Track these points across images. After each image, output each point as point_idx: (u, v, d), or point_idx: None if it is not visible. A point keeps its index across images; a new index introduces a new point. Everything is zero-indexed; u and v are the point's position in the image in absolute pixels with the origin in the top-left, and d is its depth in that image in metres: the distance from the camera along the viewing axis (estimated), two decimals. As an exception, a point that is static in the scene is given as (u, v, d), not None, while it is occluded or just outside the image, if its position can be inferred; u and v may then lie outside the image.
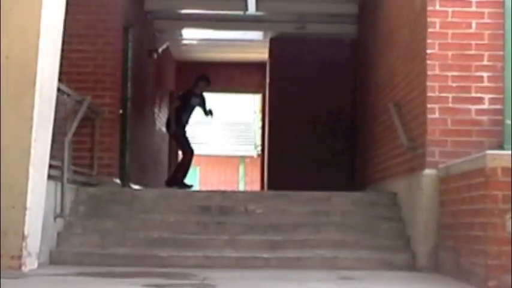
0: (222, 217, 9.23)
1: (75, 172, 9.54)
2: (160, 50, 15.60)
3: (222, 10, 14.82)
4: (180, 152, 15.30)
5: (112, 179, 11.05)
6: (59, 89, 8.37)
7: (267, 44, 16.42)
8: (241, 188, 36.17)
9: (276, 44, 16.12)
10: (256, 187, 24.65)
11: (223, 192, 10.05)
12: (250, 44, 17.51)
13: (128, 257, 8.37)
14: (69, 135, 9.02)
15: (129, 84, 12.42)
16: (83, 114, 9.61)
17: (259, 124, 23.08)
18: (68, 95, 9.31)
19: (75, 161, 9.68)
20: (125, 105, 12.11)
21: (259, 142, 24.81)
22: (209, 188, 34.64)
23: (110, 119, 11.03)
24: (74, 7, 10.39)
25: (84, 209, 9.31)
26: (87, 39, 10.97)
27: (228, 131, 36.58)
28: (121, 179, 11.62)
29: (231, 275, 7.48)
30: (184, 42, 17.65)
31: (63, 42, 8.21)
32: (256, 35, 16.74)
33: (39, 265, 7.61)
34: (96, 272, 7.43)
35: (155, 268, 8.01)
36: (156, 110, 15.87)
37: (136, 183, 12.75)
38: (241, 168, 37.13)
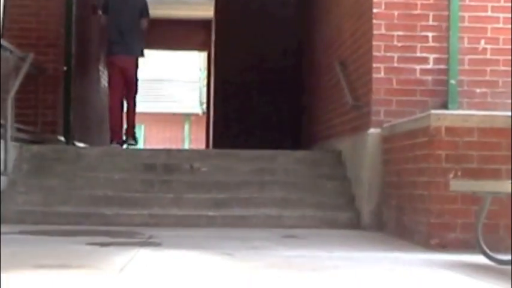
0: (167, 175, 9.21)
1: (18, 130, 9.42)
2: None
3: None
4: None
5: (56, 136, 10.94)
6: (0, 46, 8.23)
7: (213, 1, 16.30)
8: (186, 145, 36.14)
9: (222, 1, 16.00)
10: (202, 146, 24.62)
11: (169, 150, 10.02)
12: (195, 1, 17.38)
13: (72, 215, 8.32)
14: (12, 93, 8.90)
15: (73, 41, 12.23)
16: (26, 71, 9.46)
17: (205, 82, 22.99)
18: (11, 51, 9.15)
19: (19, 119, 9.56)
20: (68, 62, 11.93)
21: (204, 100, 24.72)
22: (154, 146, 34.64)
23: (53, 76, 10.91)
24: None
25: (27, 167, 9.21)
26: (30, -6, 10.78)
27: (173, 88, 36.36)
28: (65, 137, 11.50)
29: (176, 233, 7.48)
30: (130, -2, 17.40)
31: (5, -2, 8.07)
32: (201, -9, 16.62)
33: (-19, 224, 7.54)
34: (40, 230, 7.38)
35: (100, 226, 7.99)
36: (100, 67, 15.68)
37: (81, 141, 12.63)
38: (186, 126, 37.02)
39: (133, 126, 11.86)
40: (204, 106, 25.25)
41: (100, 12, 11.50)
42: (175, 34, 19.21)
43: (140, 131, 35.94)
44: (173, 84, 36.18)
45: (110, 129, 11.67)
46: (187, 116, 36.33)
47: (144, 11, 11.36)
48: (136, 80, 11.79)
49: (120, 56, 11.30)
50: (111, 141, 11.54)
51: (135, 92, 11.88)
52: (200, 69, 30.60)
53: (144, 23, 11.40)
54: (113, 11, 11.34)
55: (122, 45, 11.23)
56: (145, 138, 36.63)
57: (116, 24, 11.23)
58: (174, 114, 36.15)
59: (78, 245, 6.29)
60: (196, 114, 33.95)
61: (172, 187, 8.96)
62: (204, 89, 24.31)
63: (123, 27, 11.19)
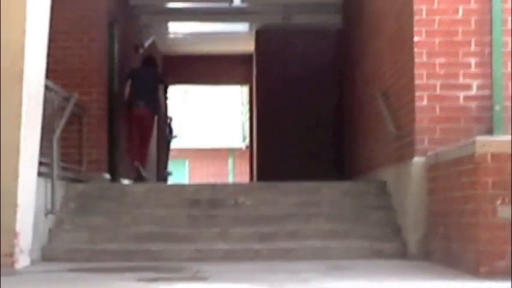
0: (212, 210, 9.23)
1: (64, 169, 9.52)
2: (146, 44, 15.56)
3: (208, 3, 14.81)
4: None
5: (101, 174, 11.04)
6: (46, 86, 8.34)
7: (253, 36, 16.42)
8: (231, 180, 36.21)
9: (262, 36, 16.11)
10: (246, 179, 24.65)
11: (213, 185, 10.04)
12: (236, 36, 17.50)
13: (118, 252, 8.36)
14: (58, 132, 9.00)
15: (116, 80, 12.39)
16: (71, 111, 9.58)
17: (247, 116, 23.06)
18: (55, 92, 9.28)
19: (64, 158, 9.68)
20: (112, 100, 12.08)
21: (247, 134, 24.79)
22: (198, 181, 34.75)
23: (97, 115, 11.04)
24: (59, 3, 10.36)
25: (74, 205, 9.29)
26: (73, 35, 10.97)
27: (216, 123, 36.54)
28: (110, 174, 11.61)
29: (222, 268, 7.48)
30: (171, 35, 17.62)
31: (49, 39, 8.19)
32: (242, 27, 16.73)
33: (32, 262, 7.61)
34: (88, 268, 7.43)
35: (147, 262, 8.02)
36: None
37: (126, 177, 12.73)
38: (230, 161, 37.15)
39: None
40: (247, 140, 25.33)
41: (129, 81, 12.90)
42: (217, 69, 19.35)
43: (184, 166, 36.12)
44: (216, 119, 36.36)
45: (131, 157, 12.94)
46: (231, 151, 36.48)
47: (160, 80, 13.31)
48: (151, 131, 13.42)
49: (140, 110, 12.72)
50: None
51: (148, 140, 13.39)
52: (242, 104, 30.71)
53: (160, 89, 13.19)
54: (137, 79, 12.85)
55: (142, 102, 12.69)
56: (190, 173, 36.81)
57: (138, 88, 12.73)
58: (217, 150, 36.30)
59: (127, 282, 6.32)
60: (240, 149, 34.04)
61: (217, 222, 8.97)
62: (247, 123, 24.38)
63: (143, 90, 12.70)
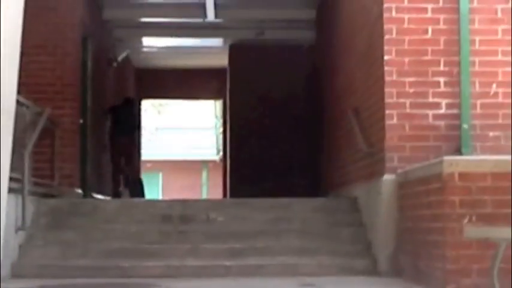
0: (184, 226, 9.25)
1: (35, 184, 9.49)
2: (119, 58, 15.58)
3: (181, 18, 14.84)
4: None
5: (73, 189, 11.03)
6: (18, 101, 8.32)
7: (227, 51, 16.48)
8: (204, 192, 36.19)
9: (235, 51, 16.18)
10: (220, 191, 24.66)
11: (184, 201, 10.06)
12: (210, 51, 17.56)
13: (89, 268, 8.35)
14: (29, 148, 8.97)
15: (88, 94, 12.39)
16: (43, 125, 9.56)
17: (221, 129, 23.11)
18: (27, 107, 9.26)
19: (36, 173, 9.64)
20: (85, 115, 12.09)
21: (221, 147, 24.81)
22: (172, 193, 34.67)
23: (69, 129, 11.04)
24: (32, 17, 10.35)
25: (45, 221, 9.27)
26: (46, 50, 10.97)
27: (190, 135, 36.52)
28: (82, 189, 11.59)
29: (193, 285, 7.51)
30: (144, 50, 17.65)
31: (21, 54, 8.17)
32: (215, 41, 16.80)
33: (1, 279, 7.56)
34: (58, 285, 7.43)
35: (118, 279, 8.02)
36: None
37: (98, 192, 12.72)
38: (204, 173, 37.11)
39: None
40: (221, 153, 25.35)
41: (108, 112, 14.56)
42: (191, 83, 19.37)
43: (158, 179, 36.06)
44: (190, 132, 36.34)
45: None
46: (204, 163, 36.44)
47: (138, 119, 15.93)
48: (133, 157, 15.45)
49: (123, 140, 14.55)
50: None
51: (131, 164, 15.33)
52: (216, 117, 30.74)
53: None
54: (120, 114, 14.58)
55: (124, 134, 14.57)
56: (163, 186, 36.73)
57: (121, 123, 14.50)
58: (191, 162, 36.26)
59: (95, 300, 6.32)
60: (214, 161, 34.02)
61: (189, 238, 8.99)
62: (221, 136, 24.42)
63: (126, 125, 14.59)
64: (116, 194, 14.33)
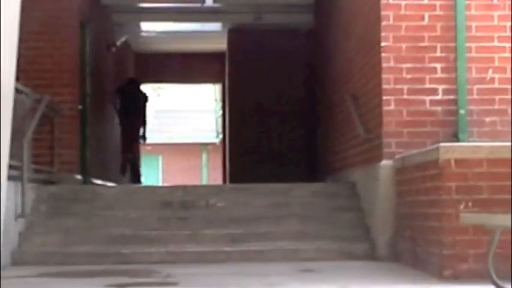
0: (184, 212, 9.31)
1: (35, 171, 9.55)
2: (118, 43, 15.60)
3: (180, 3, 14.84)
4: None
5: (73, 175, 11.07)
6: (16, 89, 8.35)
7: (226, 35, 16.49)
8: (204, 174, 36.25)
9: (234, 35, 16.19)
10: (220, 174, 24.74)
11: (185, 186, 10.12)
12: (208, 35, 17.56)
13: (90, 255, 8.43)
14: (28, 135, 9.02)
15: (88, 80, 12.42)
16: (42, 112, 9.60)
17: (220, 112, 23.14)
18: (26, 94, 9.30)
19: (35, 159, 9.69)
20: (84, 100, 12.12)
21: (220, 129, 24.86)
22: (172, 176, 34.73)
23: (69, 115, 11.06)
24: (30, 3, 10.37)
25: (45, 208, 9.32)
26: (44, 36, 10.96)
27: (189, 118, 36.55)
28: (82, 175, 11.64)
29: (193, 271, 7.57)
30: (143, 34, 17.65)
31: (20, 40, 8.19)
32: (214, 26, 16.78)
33: (2, 266, 7.62)
34: (59, 272, 7.48)
35: (118, 265, 8.09)
36: (116, 103, 15.87)
37: (98, 178, 12.77)
38: (204, 156, 37.17)
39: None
40: (221, 136, 25.40)
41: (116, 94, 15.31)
42: (190, 67, 19.40)
43: (158, 162, 36.13)
44: (190, 115, 36.36)
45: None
46: (204, 146, 36.49)
47: (146, 98, 15.75)
48: (138, 138, 15.78)
49: (129, 122, 15.27)
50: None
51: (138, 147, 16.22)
52: (216, 100, 30.76)
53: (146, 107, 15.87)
54: (127, 95, 15.27)
55: (131, 116, 15.23)
56: (163, 169, 36.80)
57: (129, 104, 15.21)
58: (191, 144, 36.31)
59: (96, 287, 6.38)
60: (213, 144, 34.07)
61: (188, 224, 9.05)
62: (220, 119, 24.45)
63: (133, 107, 15.23)
64: (123, 172, 15.05)
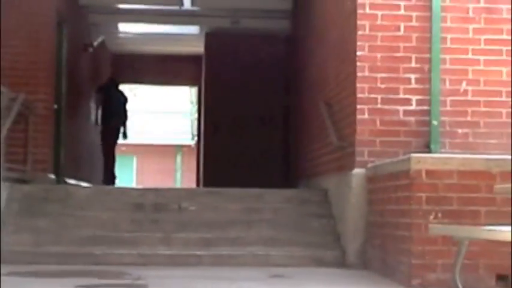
0: (156, 214, 9.33)
1: (9, 169, 9.53)
2: (95, 43, 15.59)
3: (158, 5, 14.87)
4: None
5: (46, 175, 11.06)
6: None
7: (203, 38, 16.52)
8: (178, 176, 36.24)
9: (211, 38, 16.23)
10: (194, 176, 24.76)
11: (157, 189, 10.14)
12: (186, 38, 17.59)
13: (61, 255, 8.42)
14: (3, 133, 9.01)
15: (63, 79, 12.41)
16: (17, 111, 9.59)
17: (196, 115, 23.17)
18: (1, 92, 9.29)
19: (9, 158, 9.68)
20: (59, 100, 12.11)
21: (196, 132, 24.88)
22: (146, 177, 34.70)
23: (44, 115, 11.05)
24: (7, 2, 10.39)
25: (17, 207, 9.30)
26: (20, 34, 10.94)
27: (165, 120, 36.52)
28: (56, 175, 11.63)
29: (164, 274, 7.59)
30: (120, 35, 17.64)
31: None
32: (192, 29, 16.81)
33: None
34: (29, 272, 7.47)
35: (89, 266, 8.09)
36: (91, 104, 15.87)
37: (72, 177, 12.76)
38: (178, 158, 37.17)
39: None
40: (196, 138, 25.42)
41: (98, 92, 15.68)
42: (166, 69, 19.39)
43: (132, 163, 36.06)
44: (165, 116, 36.33)
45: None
46: (179, 148, 36.50)
47: (126, 99, 15.97)
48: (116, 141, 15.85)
49: (110, 126, 15.44)
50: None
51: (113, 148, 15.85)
52: (191, 102, 30.77)
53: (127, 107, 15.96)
54: (108, 95, 15.49)
55: (113, 119, 15.38)
56: (138, 170, 36.75)
57: (110, 104, 15.39)
58: (166, 146, 36.30)
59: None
60: (188, 146, 34.08)
61: (161, 226, 9.07)
62: (195, 122, 24.48)
63: (114, 107, 15.42)
64: (108, 181, 15.05)
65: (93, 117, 15.92)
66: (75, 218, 9.15)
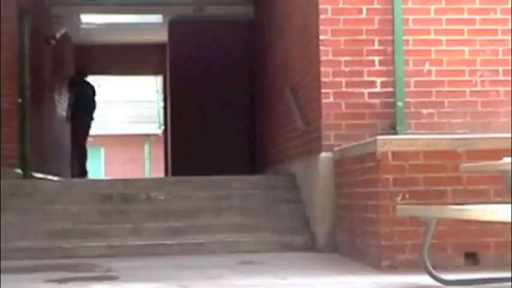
0: (125, 205, 9.32)
1: (-26, 165, 9.46)
2: (58, 35, 15.45)
3: (120, -5, 14.80)
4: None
5: (13, 169, 10.97)
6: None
7: (166, 27, 16.45)
8: (147, 166, 36.14)
9: (175, 27, 16.15)
10: (162, 165, 24.72)
11: (125, 180, 10.11)
12: (149, 27, 17.48)
13: (30, 249, 8.39)
14: (-33, 130, 8.94)
15: (26, 73, 12.29)
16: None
17: (162, 104, 23.09)
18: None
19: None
20: (23, 94, 11.99)
21: (163, 121, 24.80)
22: (115, 168, 34.57)
23: (7, 109, 10.94)
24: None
25: (-16, 203, 9.25)
26: (-20, 28, 10.83)
27: (131, 109, 36.35)
28: (22, 169, 11.54)
29: (134, 264, 7.58)
30: (83, 26, 17.50)
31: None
32: (155, 18, 16.72)
33: None
34: (-2, 268, 7.42)
35: (59, 260, 8.07)
36: (56, 96, 15.75)
37: (39, 171, 12.67)
38: (146, 147, 37.05)
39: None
40: (163, 127, 25.34)
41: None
42: (131, 59, 19.27)
43: (100, 154, 35.90)
44: (131, 106, 36.15)
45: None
46: (146, 137, 36.37)
47: (94, 90, 15.89)
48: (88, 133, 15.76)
49: (81, 119, 15.30)
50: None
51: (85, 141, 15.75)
52: (157, 92, 30.66)
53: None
54: (77, 87, 15.38)
55: (83, 111, 15.30)
56: (106, 160, 36.60)
57: (79, 97, 15.28)
58: (133, 136, 36.16)
59: (35, 283, 6.36)
60: (156, 135, 33.97)
61: (130, 217, 9.07)
62: (162, 110, 24.40)
63: (83, 99, 15.31)
64: (79, 175, 14.78)
65: (64, 114, 15.74)
66: (43, 212, 9.11)
